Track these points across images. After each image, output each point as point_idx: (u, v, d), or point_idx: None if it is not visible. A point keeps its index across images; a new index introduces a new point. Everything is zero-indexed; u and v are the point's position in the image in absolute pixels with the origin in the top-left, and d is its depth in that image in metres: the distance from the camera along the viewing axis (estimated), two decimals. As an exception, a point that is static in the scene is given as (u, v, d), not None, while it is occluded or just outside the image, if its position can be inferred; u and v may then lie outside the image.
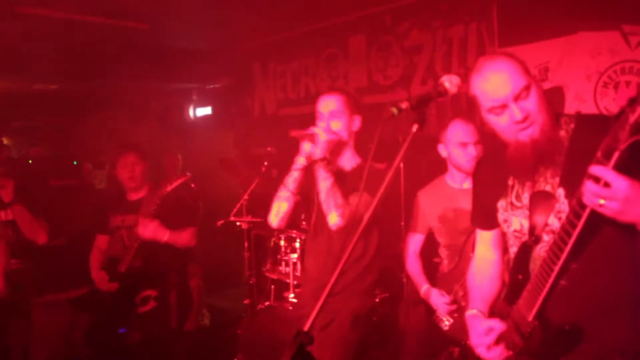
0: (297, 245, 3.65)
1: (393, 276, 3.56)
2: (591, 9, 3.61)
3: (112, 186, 3.70)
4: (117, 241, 3.57)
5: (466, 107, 3.52)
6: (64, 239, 4.16)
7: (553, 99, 3.78)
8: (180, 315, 3.63)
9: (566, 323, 1.55)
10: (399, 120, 1.44)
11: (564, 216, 1.43)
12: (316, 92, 5.81)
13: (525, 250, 1.68)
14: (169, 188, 3.32)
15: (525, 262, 1.67)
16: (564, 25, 3.75)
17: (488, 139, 1.70)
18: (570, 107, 3.77)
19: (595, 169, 1.26)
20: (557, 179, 1.60)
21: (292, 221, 2.77)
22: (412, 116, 1.43)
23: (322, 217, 2.50)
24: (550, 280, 1.50)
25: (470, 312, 1.88)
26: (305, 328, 1.28)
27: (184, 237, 3.46)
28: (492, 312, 1.83)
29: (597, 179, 1.27)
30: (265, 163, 4.65)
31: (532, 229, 1.66)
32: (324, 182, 2.43)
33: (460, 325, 2.34)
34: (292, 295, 3.52)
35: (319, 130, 2.46)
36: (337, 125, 2.53)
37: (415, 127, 1.41)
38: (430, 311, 3.03)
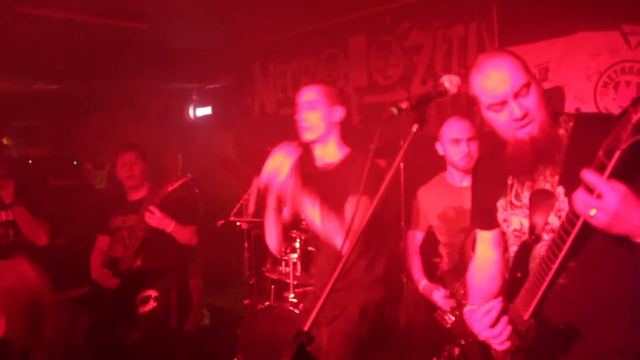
0: (297, 245, 3.65)
1: (393, 276, 3.56)
2: (591, 9, 3.61)
3: (112, 186, 3.70)
4: (118, 241, 3.58)
5: (465, 105, 3.52)
6: (64, 239, 4.16)
7: (553, 99, 3.78)
8: (180, 315, 3.63)
9: (561, 323, 1.55)
10: (399, 120, 1.43)
11: (563, 215, 1.43)
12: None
13: (525, 249, 1.68)
14: (170, 188, 3.33)
15: (525, 261, 1.67)
16: (564, 25, 3.75)
17: (487, 138, 1.69)
18: (570, 107, 3.77)
19: (589, 176, 1.25)
20: (557, 178, 1.60)
21: (292, 221, 2.76)
22: (412, 116, 1.42)
23: None
24: (548, 279, 1.50)
25: (468, 308, 1.89)
26: (305, 328, 1.28)
27: (187, 232, 3.48)
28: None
29: (590, 188, 1.26)
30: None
31: (532, 228, 1.66)
32: (313, 211, 2.30)
33: (462, 323, 2.33)
34: (292, 295, 3.52)
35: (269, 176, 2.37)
36: (312, 117, 2.48)
37: (415, 127, 1.41)
38: (430, 309, 3.03)
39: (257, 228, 4.40)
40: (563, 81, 3.83)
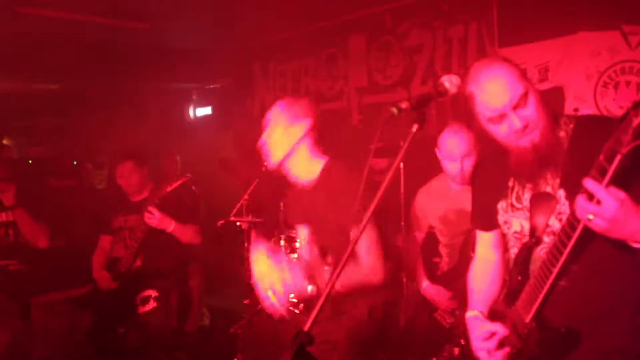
0: (297, 245, 3.65)
1: (393, 276, 3.56)
2: (591, 9, 3.61)
3: (112, 186, 3.71)
4: (119, 241, 3.58)
5: (464, 107, 3.50)
6: (64, 239, 4.16)
7: (553, 99, 3.78)
8: (181, 315, 3.64)
9: (562, 326, 1.55)
10: (399, 120, 1.43)
11: (564, 217, 1.43)
12: (316, 92, 5.82)
13: (526, 251, 1.67)
14: (169, 189, 3.33)
15: (525, 264, 1.67)
16: (564, 25, 3.75)
17: (488, 140, 1.69)
18: (570, 107, 3.77)
19: (588, 184, 1.27)
20: (558, 180, 1.59)
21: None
22: (412, 116, 1.42)
23: None
24: (549, 282, 1.50)
25: (470, 314, 1.88)
26: (305, 328, 1.28)
27: (189, 231, 3.48)
28: (492, 313, 1.82)
29: (590, 195, 1.27)
30: (266, 163, 4.64)
31: (532, 230, 1.65)
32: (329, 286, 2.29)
33: (462, 323, 2.34)
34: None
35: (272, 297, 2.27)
36: (271, 139, 2.43)
37: (415, 127, 1.41)
38: (430, 310, 3.03)
39: (257, 228, 4.39)
40: (563, 81, 3.83)
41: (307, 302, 2.56)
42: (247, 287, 4.43)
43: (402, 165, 3.71)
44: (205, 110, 7.64)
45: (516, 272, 1.70)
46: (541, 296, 1.54)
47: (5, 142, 8.35)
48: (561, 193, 1.58)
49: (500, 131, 1.59)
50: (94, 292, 3.58)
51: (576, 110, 3.69)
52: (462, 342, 2.77)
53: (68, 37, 5.11)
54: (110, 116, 8.15)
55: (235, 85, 6.89)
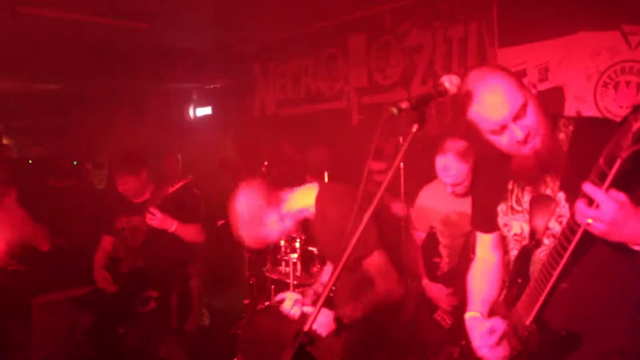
0: (297, 245, 3.65)
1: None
2: (591, 9, 3.61)
3: (112, 186, 3.70)
4: (121, 242, 3.59)
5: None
6: (64, 239, 4.16)
7: (553, 99, 3.78)
8: (181, 316, 3.64)
9: (563, 329, 1.55)
10: (399, 120, 1.43)
11: (564, 220, 1.43)
12: (316, 92, 5.82)
13: (526, 253, 1.67)
14: (170, 190, 3.33)
15: (525, 266, 1.67)
16: (564, 25, 3.75)
17: (485, 142, 1.68)
18: (570, 107, 3.77)
19: (587, 188, 1.27)
20: (558, 183, 1.59)
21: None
22: (412, 116, 1.42)
23: None
24: (549, 285, 1.50)
25: (469, 315, 1.88)
26: (306, 328, 1.28)
27: (192, 230, 3.48)
28: (492, 315, 1.82)
29: (590, 199, 1.28)
30: (266, 163, 4.65)
31: (532, 232, 1.65)
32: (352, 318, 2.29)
33: (461, 323, 2.34)
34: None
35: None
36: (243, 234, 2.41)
37: (415, 127, 1.41)
38: (431, 310, 3.03)
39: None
40: (563, 81, 3.83)
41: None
42: (247, 287, 4.44)
43: (402, 165, 3.71)
44: (205, 110, 7.64)
45: (516, 274, 1.70)
46: (541, 299, 1.54)
47: (5, 142, 8.36)
48: (561, 196, 1.58)
49: (502, 142, 1.58)
50: (94, 292, 3.58)
51: (578, 113, 3.68)
52: (463, 342, 2.77)
53: (68, 37, 5.12)
54: (110, 116, 8.16)
55: (235, 85, 6.90)
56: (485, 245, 1.95)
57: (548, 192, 1.62)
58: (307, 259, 3.63)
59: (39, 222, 3.68)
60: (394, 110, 1.42)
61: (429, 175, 3.22)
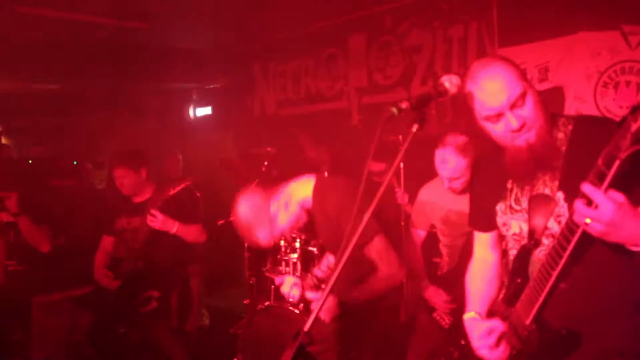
0: (297, 245, 3.65)
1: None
2: (591, 9, 3.61)
3: (112, 186, 3.70)
4: (121, 242, 3.59)
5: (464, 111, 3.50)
6: (64, 238, 4.16)
7: (553, 99, 3.78)
8: (181, 316, 3.64)
9: (563, 328, 1.55)
10: (399, 120, 1.43)
11: (563, 220, 1.43)
12: (316, 92, 5.82)
13: (525, 253, 1.67)
14: (172, 192, 3.33)
15: (524, 265, 1.67)
16: (564, 25, 3.75)
17: (486, 141, 1.68)
18: (570, 107, 3.77)
19: (586, 189, 1.27)
20: (557, 183, 1.59)
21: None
22: (412, 116, 1.42)
23: None
24: (549, 285, 1.50)
25: (468, 315, 1.88)
26: (306, 328, 1.28)
27: (194, 231, 3.48)
28: (491, 314, 1.82)
29: (589, 199, 1.28)
30: (265, 163, 4.65)
31: (531, 232, 1.65)
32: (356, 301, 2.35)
33: (460, 324, 2.34)
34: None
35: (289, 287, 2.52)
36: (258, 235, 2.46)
37: (415, 127, 1.41)
38: (430, 310, 3.03)
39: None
40: (563, 81, 3.83)
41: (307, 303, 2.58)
42: (247, 287, 4.44)
43: (402, 165, 3.72)
44: (205, 110, 7.64)
45: (515, 274, 1.70)
46: (541, 298, 1.54)
47: (5, 142, 8.35)
48: (560, 195, 1.58)
49: (496, 130, 1.58)
50: (94, 292, 3.58)
51: (578, 113, 3.68)
52: (462, 342, 2.76)
53: (68, 37, 5.11)
54: (110, 116, 8.15)
55: (235, 85, 6.90)
56: (483, 244, 1.95)
57: (547, 191, 1.61)
58: (307, 259, 3.63)
59: (39, 223, 3.68)
60: (394, 110, 1.42)
61: (428, 175, 3.22)
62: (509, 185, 1.74)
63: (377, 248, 2.27)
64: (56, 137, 8.57)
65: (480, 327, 1.74)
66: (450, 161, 2.79)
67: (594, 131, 1.52)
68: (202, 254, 4.81)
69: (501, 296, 1.81)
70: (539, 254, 1.63)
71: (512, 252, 1.74)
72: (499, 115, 1.55)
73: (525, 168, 1.59)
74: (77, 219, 4.39)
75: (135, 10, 4.72)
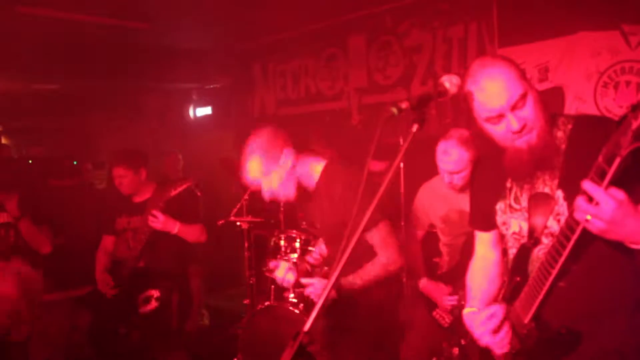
0: (297, 245, 3.65)
1: (393, 276, 3.56)
2: (591, 9, 3.61)
3: (112, 186, 3.70)
4: (122, 242, 3.58)
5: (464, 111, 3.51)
6: (64, 238, 4.16)
7: (553, 99, 3.78)
8: (181, 315, 3.64)
9: (562, 326, 1.55)
10: (399, 120, 1.43)
11: (562, 219, 1.43)
12: (316, 92, 5.82)
13: (524, 252, 1.67)
14: (173, 193, 3.33)
15: (523, 264, 1.67)
16: (564, 25, 3.75)
17: (485, 140, 1.68)
18: (570, 107, 3.77)
19: (587, 186, 1.27)
20: (556, 181, 1.59)
21: (292, 221, 2.77)
22: (412, 116, 1.42)
23: None
24: (548, 283, 1.50)
25: (467, 310, 1.88)
26: (306, 328, 1.28)
27: (195, 231, 3.48)
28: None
29: (590, 197, 1.28)
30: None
31: (531, 231, 1.65)
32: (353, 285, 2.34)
33: (461, 322, 2.35)
34: (292, 295, 3.52)
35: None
36: (262, 189, 2.46)
37: (415, 127, 1.41)
38: (430, 309, 3.03)
39: (257, 228, 4.40)
40: (563, 81, 3.83)
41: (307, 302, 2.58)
42: (247, 287, 4.44)
43: (402, 165, 3.72)
44: (205, 110, 7.64)
45: (515, 272, 1.70)
46: (540, 297, 1.54)
47: (5, 142, 8.35)
48: (559, 194, 1.58)
49: (497, 131, 1.58)
50: (94, 292, 3.58)
51: (578, 113, 3.69)
52: (463, 342, 2.77)
53: (68, 37, 5.11)
54: (110, 116, 8.16)
55: (235, 85, 6.89)
56: (484, 243, 1.96)
57: (546, 190, 1.62)
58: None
59: (39, 223, 3.68)
60: (394, 110, 1.42)
61: (428, 175, 3.22)
62: (508, 184, 1.74)
63: (380, 234, 2.26)
64: (56, 137, 8.57)
65: (480, 315, 1.73)
66: (452, 153, 2.77)
67: (593, 130, 1.53)
68: (202, 254, 4.81)
69: (501, 295, 1.82)
70: (539, 253, 1.63)
71: (512, 251, 1.75)
72: (499, 117, 1.54)
73: (526, 169, 1.59)
74: (77, 219, 4.38)
75: (136, 11, 4.72)
